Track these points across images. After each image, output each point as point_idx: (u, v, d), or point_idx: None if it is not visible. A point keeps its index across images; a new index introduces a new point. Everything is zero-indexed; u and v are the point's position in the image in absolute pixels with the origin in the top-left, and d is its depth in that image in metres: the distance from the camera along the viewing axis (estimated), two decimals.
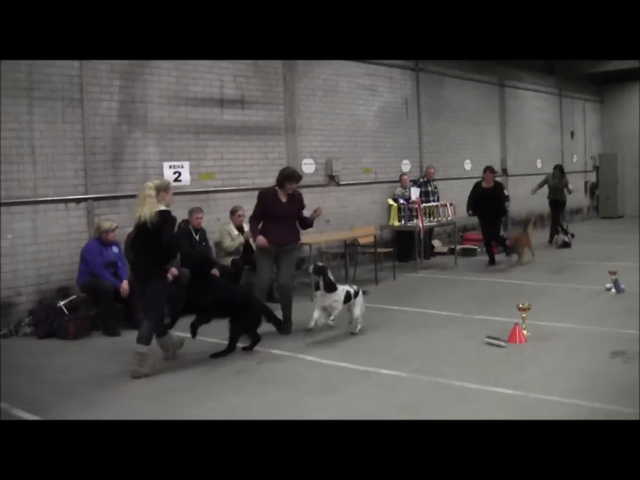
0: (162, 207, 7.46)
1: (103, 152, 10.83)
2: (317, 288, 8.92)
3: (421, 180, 16.25)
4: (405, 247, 15.23)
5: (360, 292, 9.13)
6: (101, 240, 9.75)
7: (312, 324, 8.65)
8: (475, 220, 17.95)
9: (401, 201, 14.22)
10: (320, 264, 9.21)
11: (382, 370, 7.44)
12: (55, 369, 7.98)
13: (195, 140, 12.14)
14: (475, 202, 14.67)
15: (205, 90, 12.20)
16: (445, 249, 16.42)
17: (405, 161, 16.87)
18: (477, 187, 14.85)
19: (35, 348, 8.91)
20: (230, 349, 8.27)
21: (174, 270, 10.20)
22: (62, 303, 9.06)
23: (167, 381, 7.39)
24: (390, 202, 14.39)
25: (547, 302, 10.33)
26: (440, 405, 6.32)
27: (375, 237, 13.44)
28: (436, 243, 16.90)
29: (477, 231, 17.56)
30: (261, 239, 9.19)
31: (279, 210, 9.26)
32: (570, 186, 18.47)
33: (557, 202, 18.34)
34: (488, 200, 14.44)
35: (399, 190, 15.47)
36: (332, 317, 8.73)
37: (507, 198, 15.08)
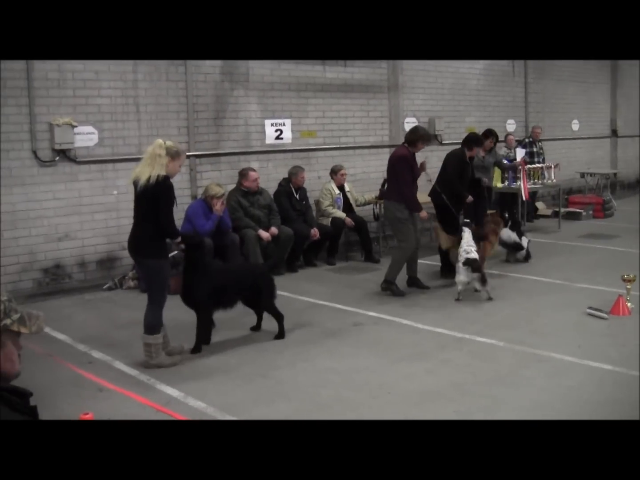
0: (163, 172, 6.45)
1: (205, 110, 10.96)
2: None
3: (527, 140, 15.83)
4: (508, 210, 14.89)
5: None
6: (207, 203, 9.77)
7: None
8: (582, 182, 17.53)
9: (505, 161, 13.91)
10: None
11: (478, 338, 7.36)
12: None
13: (297, 98, 12.13)
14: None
15: None
16: (549, 212, 16.00)
17: (510, 121, 16.48)
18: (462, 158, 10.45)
19: (135, 302, 9.16)
20: (280, 334, 7.57)
21: (274, 229, 10.31)
22: (174, 253, 9.18)
23: (260, 339, 7.50)
24: None
25: None
26: (535, 378, 6.20)
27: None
28: (540, 205, 16.48)
29: (584, 194, 17.11)
30: (424, 214, 9.30)
31: (417, 172, 9.25)
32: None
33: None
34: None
35: (503, 151, 15.09)
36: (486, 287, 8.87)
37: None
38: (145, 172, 6.41)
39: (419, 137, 9.12)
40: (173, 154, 6.52)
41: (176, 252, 7.00)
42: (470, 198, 10.26)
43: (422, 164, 9.33)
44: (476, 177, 11.01)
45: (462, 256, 8.79)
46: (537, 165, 14.19)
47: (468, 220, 9.47)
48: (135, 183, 6.54)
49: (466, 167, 10.33)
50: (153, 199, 6.41)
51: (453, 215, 10.10)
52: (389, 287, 9.07)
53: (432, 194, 10.46)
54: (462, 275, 8.75)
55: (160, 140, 6.59)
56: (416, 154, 9.28)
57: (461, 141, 10.56)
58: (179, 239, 6.89)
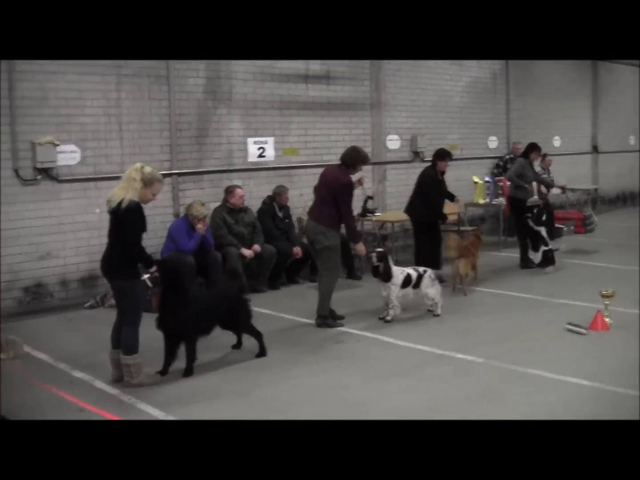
0: (134, 198, 6.39)
1: (188, 128, 11.00)
2: (377, 274, 8.78)
3: (507, 157, 15.97)
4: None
5: (429, 273, 8.93)
6: (189, 220, 9.77)
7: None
8: (563, 198, 17.63)
9: (486, 179, 14.04)
10: (381, 250, 9.02)
11: (458, 355, 7.41)
12: None
13: (280, 116, 12.19)
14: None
15: (291, 65, 12.19)
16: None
17: (492, 137, 16.60)
18: (435, 178, 10.64)
19: None
20: (262, 352, 7.59)
21: (256, 247, 10.34)
22: (145, 277, 9.20)
23: (243, 358, 7.50)
24: (476, 179, 14.19)
25: (632, 287, 10.03)
26: (513, 395, 6.26)
27: (459, 215, 13.26)
28: None
29: (565, 210, 17.22)
30: (362, 248, 8.99)
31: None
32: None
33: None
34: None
35: (537, 169, 14.66)
36: (391, 306, 8.72)
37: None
38: (119, 194, 6.40)
39: (360, 159, 8.61)
40: (147, 181, 6.46)
41: (147, 275, 6.96)
42: (448, 218, 10.70)
43: (361, 180, 9.05)
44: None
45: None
46: None
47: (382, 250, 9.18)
48: (108, 203, 6.53)
49: (440, 185, 10.58)
50: (122, 222, 6.40)
51: (432, 229, 10.43)
52: (324, 323, 8.64)
53: (410, 210, 10.74)
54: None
55: (138, 164, 6.56)
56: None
57: (452, 155, 10.94)
58: (153, 268, 6.82)
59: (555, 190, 14.71)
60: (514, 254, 12.30)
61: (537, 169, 14.37)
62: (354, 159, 8.55)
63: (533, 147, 12.10)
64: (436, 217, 10.47)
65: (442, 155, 10.63)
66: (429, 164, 10.83)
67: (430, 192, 10.41)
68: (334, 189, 8.43)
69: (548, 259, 11.57)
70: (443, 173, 10.69)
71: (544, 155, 15.38)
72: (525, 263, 12.01)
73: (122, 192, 6.39)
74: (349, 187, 8.50)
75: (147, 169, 6.55)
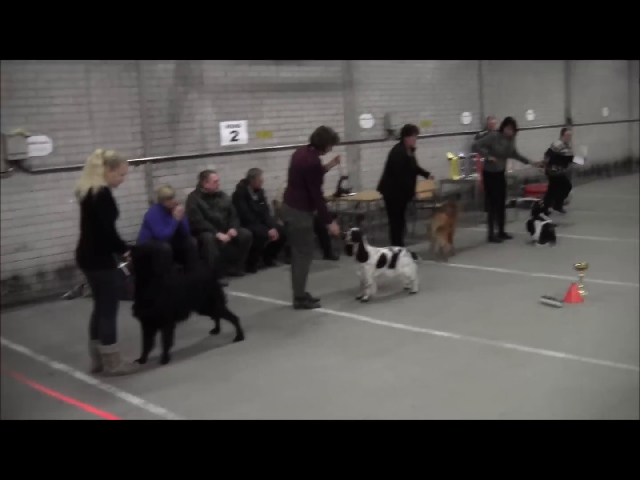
0: (102, 184, 6.34)
1: (160, 114, 10.95)
2: (351, 253, 8.83)
3: (482, 132, 16.01)
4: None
5: (404, 252, 8.99)
6: (164, 207, 9.77)
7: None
8: (537, 172, 17.71)
9: (460, 154, 14.09)
10: (356, 229, 9.01)
11: (435, 332, 7.47)
12: None
13: (252, 99, 12.15)
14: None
15: None
16: (507, 202, 16.15)
17: (466, 113, 16.63)
18: (404, 155, 10.90)
19: None
20: (239, 336, 7.61)
21: (232, 231, 10.34)
22: (122, 265, 9.16)
23: (221, 342, 7.53)
24: (450, 155, 14.23)
25: (606, 259, 10.14)
26: (491, 369, 6.34)
27: (433, 191, 13.32)
28: None
29: (540, 183, 17.31)
30: (335, 228, 8.98)
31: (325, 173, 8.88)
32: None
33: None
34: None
35: (559, 144, 14.68)
36: (367, 285, 8.77)
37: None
38: (86, 183, 6.34)
39: (329, 140, 8.56)
40: (112, 163, 6.42)
41: (124, 263, 6.91)
42: (416, 194, 11.08)
43: (337, 158, 8.94)
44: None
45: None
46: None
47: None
48: (76, 195, 6.45)
49: (408, 161, 10.72)
50: (95, 211, 6.35)
51: (400, 206, 10.76)
52: (302, 304, 8.66)
53: (381, 187, 10.94)
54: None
55: (98, 150, 6.50)
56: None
57: (418, 130, 11.11)
58: (127, 252, 6.77)
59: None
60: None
61: (558, 143, 14.48)
62: (323, 139, 8.52)
63: (506, 122, 12.19)
64: (407, 194, 10.58)
65: (409, 130, 10.77)
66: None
67: (398, 169, 10.57)
68: (303, 170, 8.42)
69: (547, 234, 11.65)
70: (413, 149, 10.76)
71: (564, 130, 15.26)
72: (492, 236, 12.22)
73: (88, 181, 6.34)
74: (317, 168, 8.47)
75: (109, 152, 6.51)
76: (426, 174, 11.04)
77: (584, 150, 16.56)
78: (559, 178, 14.44)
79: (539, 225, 11.68)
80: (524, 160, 12.64)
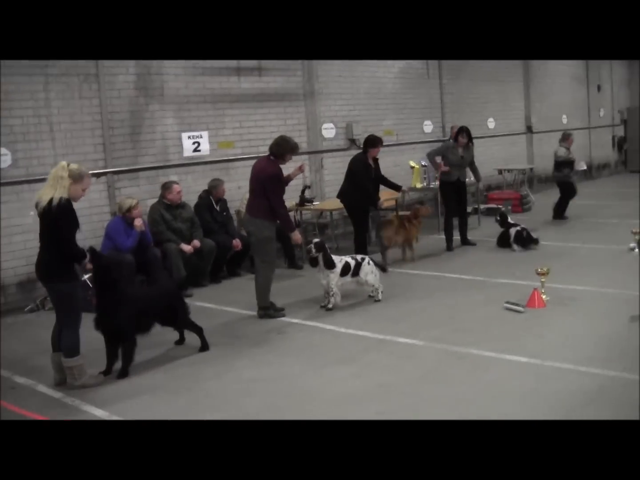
0: (64, 195, 6.28)
1: (121, 125, 10.91)
2: (316, 264, 8.81)
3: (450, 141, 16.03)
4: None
5: (367, 260, 9.03)
6: (126, 219, 9.72)
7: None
8: (499, 178, 17.88)
9: (423, 163, 14.18)
10: (318, 240, 8.98)
11: (400, 339, 7.49)
12: None
13: (213, 110, 12.15)
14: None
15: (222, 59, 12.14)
16: (469, 209, 16.28)
17: (427, 122, 16.77)
18: (365, 163, 10.91)
19: None
20: (204, 346, 7.58)
21: (196, 242, 10.32)
22: (85, 277, 9.11)
23: (186, 353, 7.50)
24: (412, 163, 14.32)
25: (569, 264, 10.28)
26: (455, 375, 6.37)
27: (397, 200, 13.36)
28: None
29: (502, 190, 17.48)
30: (298, 237, 9.01)
31: (287, 183, 8.86)
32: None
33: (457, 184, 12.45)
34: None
35: (563, 152, 14.78)
36: (331, 293, 8.77)
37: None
38: (47, 194, 6.29)
39: (288, 149, 8.56)
40: (76, 177, 6.40)
41: (87, 275, 6.83)
42: (381, 201, 10.99)
43: (301, 167, 8.97)
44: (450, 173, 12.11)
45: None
46: None
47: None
48: (37, 205, 6.40)
49: (370, 169, 10.80)
50: (54, 221, 6.29)
51: (363, 214, 10.88)
52: (266, 314, 8.66)
53: (342, 195, 11.01)
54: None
55: (63, 163, 6.46)
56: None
57: (382, 141, 11.14)
58: (87, 257, 6.68)
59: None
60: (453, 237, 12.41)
61: (562, 151, 14.59)
62: (282, 148, 8.53)
63: (460, 131, 12.28)
64: (369, 202, 10.68)
65: (374, 142, 10.84)
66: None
67: (359, 176, 10.65)
68: (263, 180, 8.43)
69: (527, 239, 11.81)
70: (376, 160, 10.83)
71: (567, 136, 15.22)
72: (449, 246, 12.27)
73: (50, 191, 6.27)
74: (276, 177, 8.45)
75: (74, 166, 6.49)
76: (397, 188, 11.21)
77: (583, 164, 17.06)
78: (566, 184, 14.61)
79: (513, 232, 11.80)
80: (476, 176, 12.75)
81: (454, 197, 12.19)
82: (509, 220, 12.10)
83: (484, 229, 13.99)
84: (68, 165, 6.43)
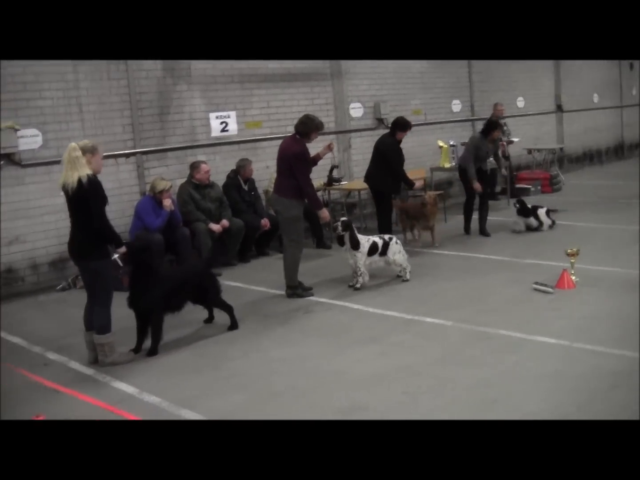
0: (88, 172, 6.37)
1: (149, 106, 10.97)
2: (343, 243, 8.86)
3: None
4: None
5: (394, 240, 9.03)
6: (156, 199, 9.79)
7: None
8: (529, 158, 17.74)
9: (451, 142, 14.11)
10: (345, 218, 9.05)
11: (427, 319, 7.50)
12: None
13: (241, 90, 12.17)
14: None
15: None
16: (498, 189, 16.20)
17: (456, 101, 16.64)
18: (398, 147, 10.73)
19: None
20: (233, 325, 7.68)
21: (224, 222, 10.37)
22: (116, 256, 9.18)
23: (214, 332, 7.58)
24: (440, 143, 14.24)
25: (599, 245, 10.19)
26: (481, 356, 6.37)
27: (425, 179, 13.33)
28: None
29: (532, 170, 17.35)
30: (325, 214, 8.99)
31: (314, 163, 8.87)
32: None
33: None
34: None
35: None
36: (359, 273, 8.79)
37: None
38: (72, 175, 6.33)
39: (313, 127, 8.55)
40: (91, 149, 6.49)
41: (117, 255, 6.91)
42: (417, 183, 10.78)
43: (330, 145, 8.91)
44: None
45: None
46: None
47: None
48: (64, 188, 6.45)
49: (402, 153, 10.65)
50: (86, 199, 6.37)
51: (389, 198, 10.63)
52: (294, 293, 8.70)
53: (370, 179, 10.81)
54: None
55: (72, 144, 6.46)
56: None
57: (411, 125, 10.91)
58: (123, 248, 6.80)
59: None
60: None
61: None
62: (307, 127, 8.54)
63: (496, 125, 11.92)
64: (403, 184, 10.65)
65: (404, 125, 10.62)
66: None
67: (395, 162, 10.47)
68: (289, 159, 8.47)
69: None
70: (399, 142, 10.74)
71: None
72: (467, 228, 12.10)
73: (74, 173, 6.34)
74: (301, 156, 8.48)
75: (82, 141, 6.58)
76: (411, 184, 10.82)
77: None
78: None
79: (542, 213, 11.74)
80: (499, 165, 12.65)
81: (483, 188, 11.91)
82: (528, 205, 11.86)
83: (513, 209, 13.88)
84: (77, 144, 6.46)
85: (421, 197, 11.42)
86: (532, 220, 11.68)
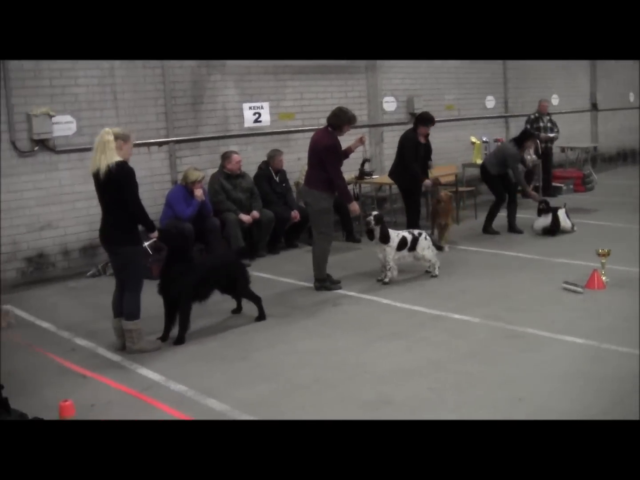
0: (118, 158, 6.41)
1: (183, 95, 11.02)
2: (373, 237, 8.84)
3: (532, 116, 15.65)
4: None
5: (424, 235, 9.00)
6: (187, 188, 9.84)
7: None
8: (562, 156, 17.56)
9: (484, 139, 14.04)
10: (378, 212, 9.01)
11: (454, 315, 7.48)
12: None
13: (275, 81, 12.19)
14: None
15: None
16: (530, 187, 16.06)
17: (489, 97, 16.56)
18: (415, 142, 10.59)
19: None
20: (261, 315, 7.70)
21: (255, 213, 10.40)
22: (146, 244, 9.24)
23: (242, 322, 7.61)
24: (473, 139, 14.17)
25: (631, 246, 10.06)
26: (508, 353, 6.35)
27: (456, 175, 13.28)
28: None
29: (565, 168, 17.19)
30: (356, 207, 9.00)
31: (345, 155, 8.86)
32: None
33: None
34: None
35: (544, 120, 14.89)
36: (388, 267, 8.78)
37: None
38: (102, 160, 6.36)
39: (345, 120, 8.54)
40: (123, 136, 6.57)
41: (148, 243, 6.97)
42: (428, 181, 10.67)
43: (362, 138, 8.92)
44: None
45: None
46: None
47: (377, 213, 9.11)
48: (95, 174, 6.49)
49: (419, 148, 10.54)
50: (118, 186, 6.42)
51: (414, 193, 10.63)
52: (322, 286, 8.71)
53: (393, 175, 10.86)
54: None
55: (106, 129, 6.52)
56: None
57: (439, 119, 10.83)
58: (156, 233, 6.88)
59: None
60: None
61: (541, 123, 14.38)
62: (339, 119, 8.53)
63: (533, 136, 12.20)
64: (413, 182, 10.54)
65: (425, 120, 10.56)
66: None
67: (408, 156, 10.41)
68: (320, 151, 8.46)
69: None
70: (427, 136, 10.66)
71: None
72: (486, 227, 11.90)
73: (104, 158, 6.37)
74: (333, 148, 8.45)
75: (116, 129, 6.64)
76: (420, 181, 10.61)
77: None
78: None
79: (562, 213, 11.50)
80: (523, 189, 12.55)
81: (500, 184, 11.81)
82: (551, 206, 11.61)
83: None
84: (109, 130, 6.50)
85: (437, 195, 11.32)
86: (542, 221, 11.42)
